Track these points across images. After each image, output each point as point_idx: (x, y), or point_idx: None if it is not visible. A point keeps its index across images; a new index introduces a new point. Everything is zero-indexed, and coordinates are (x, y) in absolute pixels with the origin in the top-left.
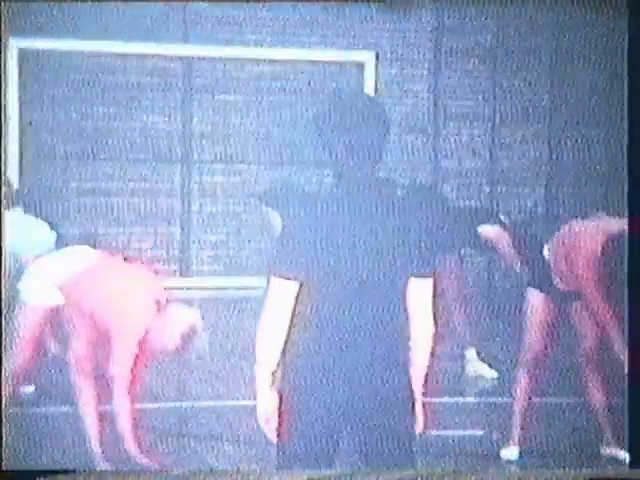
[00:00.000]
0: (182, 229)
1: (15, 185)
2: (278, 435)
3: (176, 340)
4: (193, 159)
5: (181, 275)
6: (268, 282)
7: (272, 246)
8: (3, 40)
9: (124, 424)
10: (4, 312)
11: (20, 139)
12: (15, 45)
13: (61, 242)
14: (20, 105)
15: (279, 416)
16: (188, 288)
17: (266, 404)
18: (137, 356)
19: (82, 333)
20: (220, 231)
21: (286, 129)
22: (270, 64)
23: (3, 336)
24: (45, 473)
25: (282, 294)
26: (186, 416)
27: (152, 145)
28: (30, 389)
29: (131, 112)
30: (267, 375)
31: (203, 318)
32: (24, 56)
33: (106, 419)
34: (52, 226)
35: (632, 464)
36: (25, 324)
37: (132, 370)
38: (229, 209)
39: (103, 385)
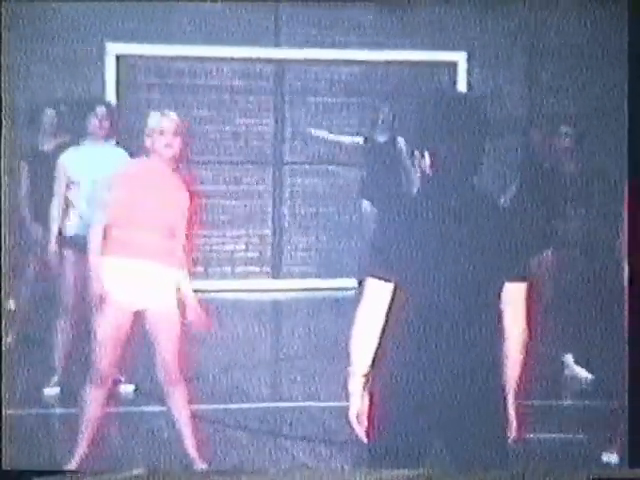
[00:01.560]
0: (274, 231)
1: None
2: (369, 435)
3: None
4: (285, 161)
5: (273, 277)
6: (360, 283)
7: (364, 247)
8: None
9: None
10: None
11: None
12: (112, 50)
13: None
14: (118, 109)
15: (370, 417)
16: (280, 290)
17: (359, 405)
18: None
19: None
20: (312, 233)
21: (378, 130)
22: (361, 65)
23: (3, 337)
24: (45, 473)
25: (377, 295)
26: (280, 416)
27: (245, 147)
28: (130, 388)
29: (224, 115)
30: (360, 376)
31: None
32: (121, 61)
33: (200, 420)
34: None
35: (632, 464)
36: (115, 325)
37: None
38: (321, 210)
39: (192, 387)
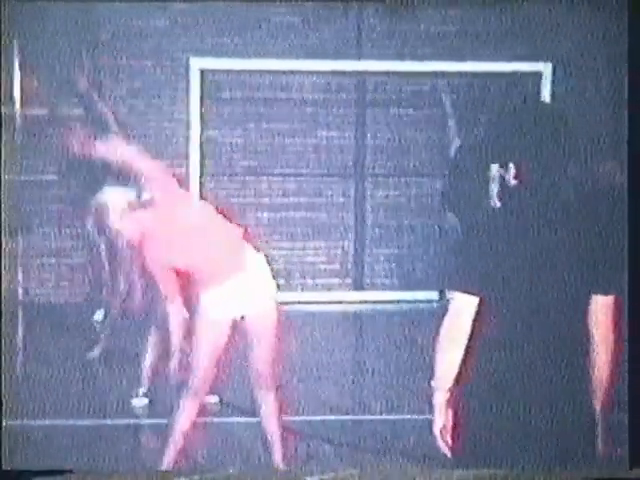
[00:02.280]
0: (356, 243)
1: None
2: (453, 450)
3: None
4: (367, 173)
5: (355, 289)
6: (442, 296)
7: (447, 260)
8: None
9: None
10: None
11: (201, 156)
12: (196, 65)
13: None
14: (201, 123)
15: (455, 431)
16: (362, 302)
17: (443, 419)
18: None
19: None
20: (394, 245)
21: (460, 141)
22: (443, 77)
23: (3, 337)
24: (44, 473)
25: (462, 309)
26: (361, 428)
27: (326, 160)
28: (214, 399)
29: (306, 128)
30: (444, 391)
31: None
32: (205, 76)
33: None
34: None
35: (632, 464)
36: (214, 334)
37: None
38: (403, 222)
39: (283, 397)
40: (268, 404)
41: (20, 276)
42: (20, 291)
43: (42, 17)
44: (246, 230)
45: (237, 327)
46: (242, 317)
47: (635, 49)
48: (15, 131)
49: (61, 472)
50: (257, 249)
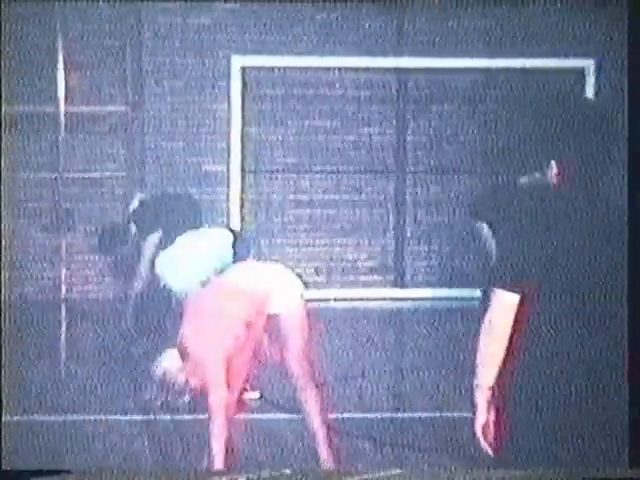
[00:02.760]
0: (397, 240)
1: (237, 197)
2: (495, 448)
3: None
4: (408, 170)
5: (395, 286)
6: (484, 293)
7: (488, 256)
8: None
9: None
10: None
11: (242, 153)
12: (237, 63)
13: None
14: (242, 120)
15: (497, 430)
16: (403, 299)
17: (485, 418)
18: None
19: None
20: (434, 242)
21: (501, 138)
22: (484, 73)
23: (3, 336)
24: (44, 473)
25: (504, 307)
26: (402, 426)
27: (367, 157)
28: (255, 395)
29: (347, 125)
30: (486, 389)
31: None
32: (246, 73)
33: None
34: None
35: (632, 464)
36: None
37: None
38: (443, 220)
39: (324, 395)
40: (307, 402)
41: (63, 273)
42: (63, 288)
43: (87, 16)
44: None
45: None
46: (277, 314)
47: (635, 49)
48: (59, 129)
49: (59, 472)
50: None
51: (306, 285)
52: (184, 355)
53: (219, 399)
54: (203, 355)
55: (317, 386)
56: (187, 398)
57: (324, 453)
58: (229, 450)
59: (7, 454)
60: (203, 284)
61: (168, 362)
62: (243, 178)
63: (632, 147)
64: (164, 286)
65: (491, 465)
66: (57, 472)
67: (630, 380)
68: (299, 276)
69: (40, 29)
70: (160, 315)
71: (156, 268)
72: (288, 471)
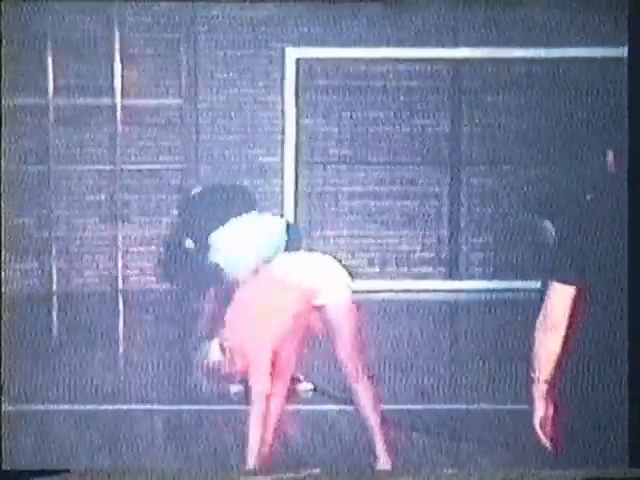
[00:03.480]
0: (451, 231)
1: (291, 189)
2: (553, 441)
3: None
4: (462, 161)
5: (450, 278)
6: (541, 286)
7: (544, 249)
8: (278, 51)
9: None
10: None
11: (296, 145)
12: (292, 54)
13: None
14: (296, 112)
15: (555, 423)
16: (457, 290)
17: (542, 411)
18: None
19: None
20: (489, 233)
21: (556, 128)
22: (538, 63)
23: (3, 335)
24: (44, 473)
25: (559, 299)
26: (459, 418)
27: (421, 148)
28: (308, 387)
29: (401, 116)
30: (543, 382)
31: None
32: (300, 65)
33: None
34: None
35: (632, 464)
36: (295, 322)
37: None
38: (498, 211)
39: (377, 386)
40: (359, 394)
41: (120, 264)
42: (120, 279)
43: (142, 9)
44: None
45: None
46: (324, 305)
47: (635, 49)
48: (115, 122)
49: (58, 472)
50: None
51: (359, 277)
52: (229, 344)
53: (261, 391)
54: (248, 345)
55: (369, 378)
56: (236, 389)
57: (378, 445)
58: (272, 444)
59: (32, 451)
60: (253, 271)
61: (212, 353)
62: (297, 170)
63: (632, 149)
64: (216, 266)
65: (548, 459)
66: (57, 472)
67: (630, 380)
68: (352, 267)
69: (97, 22)
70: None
71: (210, 244)
72: (317, 470)
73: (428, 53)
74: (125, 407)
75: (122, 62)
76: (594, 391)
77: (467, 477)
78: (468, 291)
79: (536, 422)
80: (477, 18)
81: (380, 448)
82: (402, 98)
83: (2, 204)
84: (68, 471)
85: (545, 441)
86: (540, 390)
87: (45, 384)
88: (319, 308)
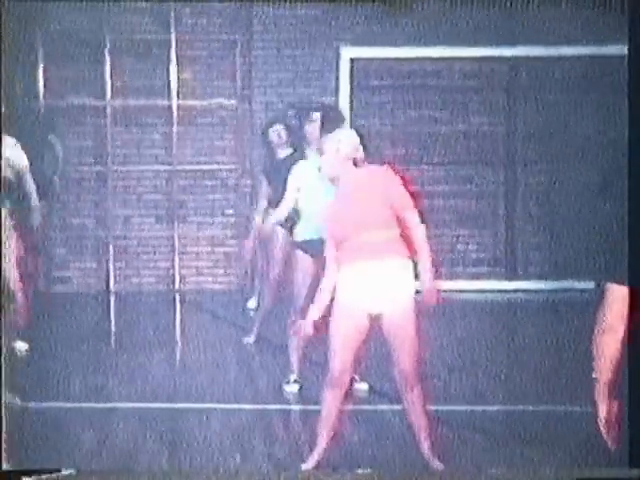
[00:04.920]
0: (507, 231)
1: None
2: (617, 442)
3: None
4: (518, 160)
5: (507, 278)
6: (598, 286)
7: (601, 248)
8: (334, 49)
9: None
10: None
11: None
12: (346, 54)
13: None
14: (351, 111)
15: (618, 423)
16: (514, 290)
17: (605, 412)
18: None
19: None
20: (547, 233)
21: (612, 127)
22: (595, 61)
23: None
24: (44, 472)
25: (617, 299)
26: (514, 418)
27: (477, 147)
28: (364, 387)
29: (456, 115)
30: (604, 383)
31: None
32: (355, 64)
33: (434, 420)
34: None
35: (632, 464)
36: (351, 330)
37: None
38: (555, 210)
39: (426, 387)
40: (411, 399)
41: (177, 264)
42: (177, 279)
43: (198, 10)
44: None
45: (375, 323)
46: (379, 315)
47: (635, 49)
48: (171, 122)
49: (58, 471)
50: (407, 256)
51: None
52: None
53: (339, 390)
54: (332, 347)
55: (422, 379)
56: (294, 388)
57: (426, 446)
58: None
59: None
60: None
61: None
62: None
63: (632, 149)
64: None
65: (608, 461)
66: (57, 472)
67: (630, 379)
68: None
69: (154, 24)
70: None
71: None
72: (368, 471)
73: (484, 52)
74: (182, 406)
75: (178, 63)
76: None
77: (521, 478)
78: (524, 291)
79: (600, 422)
80: (534, 17)
81: (428, 450)
82: (457, 97)
83: (61, 204)
84: (59, 471)
85: (610, 441)
86: (602, 391)
87: (103, 382)
88: (379, 316)
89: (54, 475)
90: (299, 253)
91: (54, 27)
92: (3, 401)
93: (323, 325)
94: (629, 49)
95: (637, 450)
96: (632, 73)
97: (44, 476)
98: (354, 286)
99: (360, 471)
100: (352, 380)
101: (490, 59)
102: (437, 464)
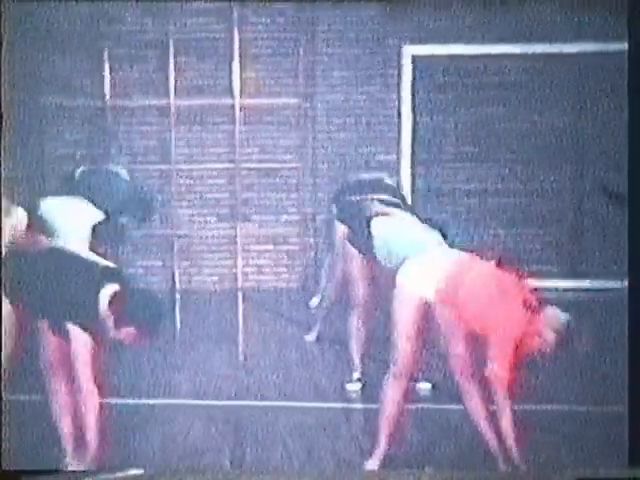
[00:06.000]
0: (572, 230)
1: (408, 187)
2: None
3: (550, 342)
4: (584, 158)
5: (572, 277)
6: None
7: None
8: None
9: (508, 423)
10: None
11: (412, 143)
12: (408, 52)
13: (447, 243)
14: (413, 110)
15: None
16: (578, 289)
17: None
18: (514, 358)
19: (455, 333)
20: (612, 232)
21: None
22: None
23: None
24: (45, 473)
25: None
26: (585, 418)
27: (541, 145)
28: (427, 385)
29: (519, 112)
30: None
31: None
32: (417, 62)
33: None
34: (442, 227)
35: (632, 464)
36: (412, 320)
37: (511, 372)
38: (621, 209)
39: (486, 387)
40: (469, 393)
41: (239, 262)
42: (240, 277)
43: (262, 10)
44: None
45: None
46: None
47: (635, 49)
48: (235, 121)
49: (58, 472)
50: None
51: None
52: None
53: (402, 384)
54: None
55: (481, 378)
56: (356, 387)
57: (494, 446)
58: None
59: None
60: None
61: None
62: (414, 168)
63: (632, 150)
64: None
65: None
66: (57, 472)
67: (630, 379)
68: None
69: (217, 23)
70: None
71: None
72: (431, 470)
73: (549, 49)
74: (245, 403)
75: (241, 62)
76: None
77: (522, 478)
78: (589, 290)
79: None
80: (597, 12)
81: (495, 448)
82: (521, 94)
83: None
84: (66, 471)
85: None
86: None
87: (168, 380)
88: (434, 305)
89: (122, 475)
90: (353, 251)
91: (119, 28)
92: (4, 400)
93: None
94: (629, 46)
95: (637, 450)
96: (632, 69)
97: (114, 475)
98: (416, 274)
99: (427, 470)
100: (415, 379)
101: (554, 55)
102: (503, 464)
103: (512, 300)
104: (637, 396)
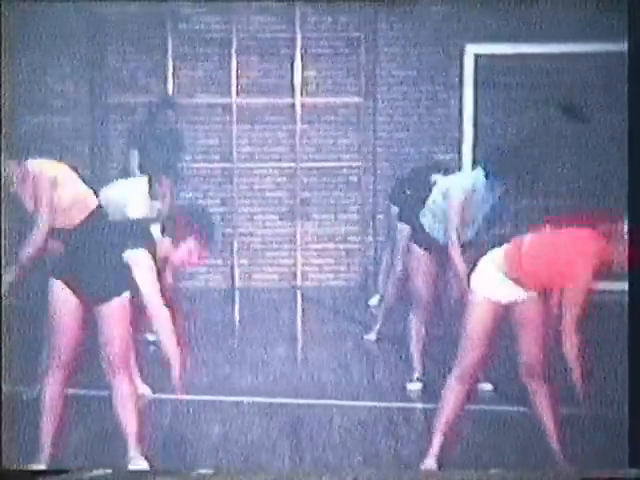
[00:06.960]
0: (629, 230)
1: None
2: None
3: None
4: (584, 157)
5: (625, 279)
6: None
7: None
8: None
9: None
10: (4, 305)
11: (474, 142)
12: (471, 51)
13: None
14: (475, 109)
15: None
16: (605, 292)
17: None
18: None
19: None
20: None
21: None
22: None
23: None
24: (45, 473)
25: None
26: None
27: (600, 144)
28: (488, 387)
29: (581, 112)
30: None
31: None
32: (479, 61)
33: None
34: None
35: (632, 464)
36: (482, 322)
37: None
38: None
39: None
40: (538, 395)
41: (299, 261)
42: (299, 275)
43: (323, 8)
44: None
45: (505, 313)
46: (511, 302)
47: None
48: (296, 120)
49: (58, 472)
50: None
51: None
52: None
53: (464, 386)
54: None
55: (548, 379)
56: (416, 386)
57: (557, 448)
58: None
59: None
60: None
61: None
62: (474, 167)
63: (632, 150)
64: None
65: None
66: (57, 472)
67: (630, 380)
68: None
69: (280, 23)
70: None
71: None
72: (495, 471)
73: (605, 47)
74: (303, 401)
75: (303, 61)
76: None
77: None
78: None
79: None
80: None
81: (558, 450)
82: (577, 94)
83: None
84: (67, 471)
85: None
86: None
87: (228, 376)
88: (505, 306)
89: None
90: (416, 248)
91: (182, 27)
92: (3, 397)
93: None
94: (629, 46)
95: (637, 450)
96: (632, 69)
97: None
98: (489, 276)
99: (493, 471)
100: (477, 379)
101: (611, 54)
102: (565, 464)
103: (575, 245)
104: (637, 397)
